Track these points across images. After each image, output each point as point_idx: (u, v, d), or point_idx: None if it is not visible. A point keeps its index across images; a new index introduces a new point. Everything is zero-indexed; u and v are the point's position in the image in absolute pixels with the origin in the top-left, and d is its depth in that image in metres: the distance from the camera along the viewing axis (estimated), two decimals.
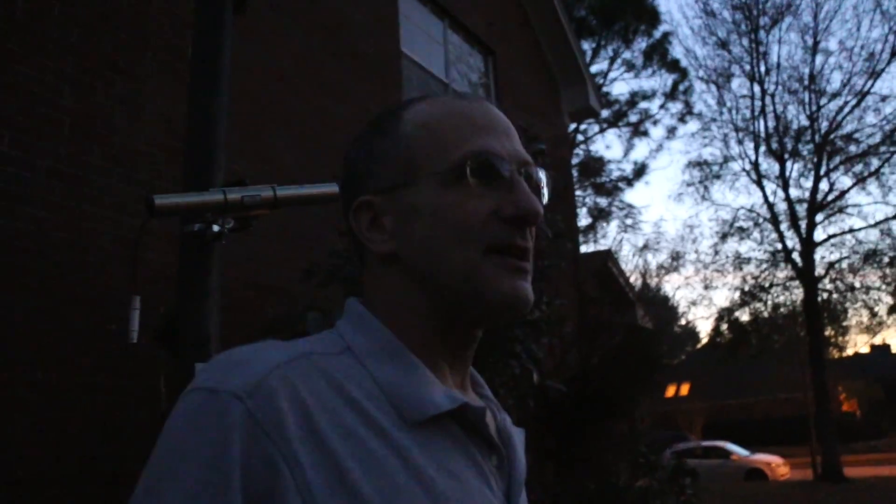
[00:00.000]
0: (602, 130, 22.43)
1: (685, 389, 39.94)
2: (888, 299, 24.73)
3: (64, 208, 3.82)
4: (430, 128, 0.82)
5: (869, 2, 20.42)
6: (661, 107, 22.57)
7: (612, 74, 23.10)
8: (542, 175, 0.87)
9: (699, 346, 39.46)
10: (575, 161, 17.02)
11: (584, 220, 20.71)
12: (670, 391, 38.78)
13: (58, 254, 3.75)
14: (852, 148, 21.09)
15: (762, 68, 21.43)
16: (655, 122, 21.80)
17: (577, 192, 19.76)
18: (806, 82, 21.18)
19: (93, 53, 4.13)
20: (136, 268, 2.69)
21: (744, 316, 22.70)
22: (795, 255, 20.85)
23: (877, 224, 21.27)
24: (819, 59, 21.01)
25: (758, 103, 21.56)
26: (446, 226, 0.78)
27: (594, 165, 19.59)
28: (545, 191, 0.87)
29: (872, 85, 20.79)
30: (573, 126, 15.63)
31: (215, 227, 2.04)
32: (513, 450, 0.84)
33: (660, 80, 21.69)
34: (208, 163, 2.23)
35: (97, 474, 3.67)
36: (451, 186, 0.79)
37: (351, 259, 3.93)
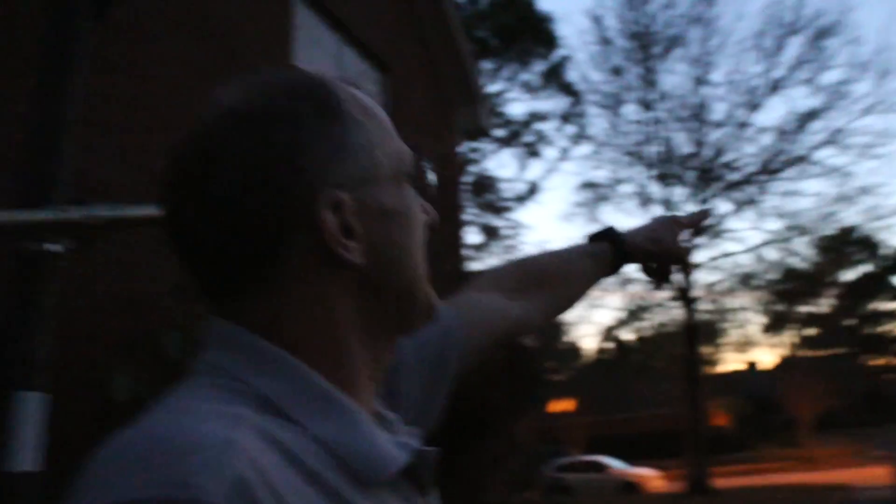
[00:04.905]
0: (497, 150, 22.70)
1: (571, 405, 40.71)
2: (760, 319, 25.90)
3: None
4: (377, 119, 0.74)
5: (749, 40, 21.27)
6: (557, 129, 23.02)
7: (510, 94, 23.45)
8: None
9: (585, 362, 40.34)
10: (469, 179, 17.25)
11: (476, 238, 20.89)
12: (558, 407, 39.47)
13: None
14: (733, 176, 22.00)
15: (653, 96, 22.16)
16: (550, 144, 22.19)
17: (473, 210, 19.92)
18: (693, 111, 22.00)
19: None
20: None
21: (628, 334, 23.36)
22: (678, 277, 21.58)
23: (752, 249, 22.25)
24: (706, 89, 21.77)
25: (647, 129, 22.28)
26: (412, 230, 0.72)
27: (485, 184, 19.80)
28: None
29: (752, 117, 21.70)
30: (468, 144, 15.83)
31: (51, 247, 1.92)
32: None
33: (556, 103, 22.06)
34: (48, 176, 2.11)
35: None
36: (403, 188, 0.73)
37: None
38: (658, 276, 1.21)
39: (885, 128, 22.21)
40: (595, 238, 1.17)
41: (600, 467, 24.11)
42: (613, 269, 1.17)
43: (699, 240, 21.75)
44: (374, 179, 0.70)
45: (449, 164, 9.99)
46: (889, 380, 48.45)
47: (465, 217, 12.13)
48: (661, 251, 1.18)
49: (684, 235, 1.20)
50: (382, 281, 0.69)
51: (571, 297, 1.13)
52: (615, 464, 24.57)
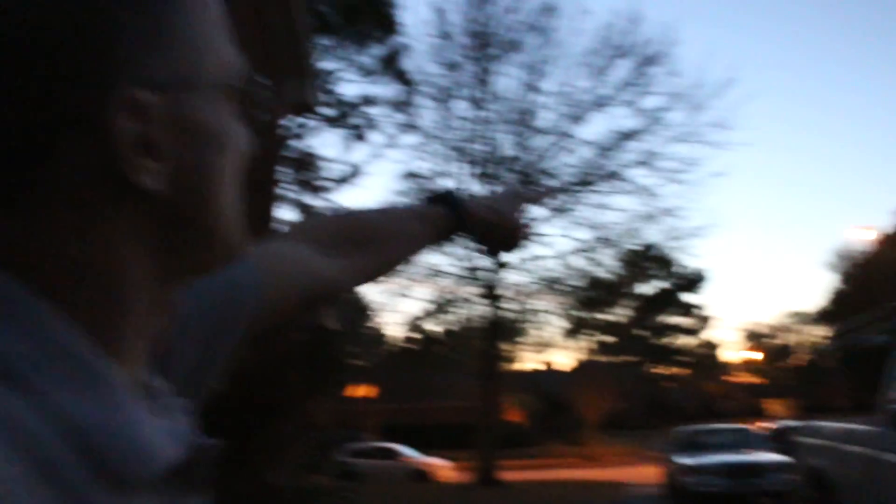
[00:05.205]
0: (323, 128, 22.36)
1: (371, 391, 40.98)
2: (562, 323, 27.17)
3: None
4: (213, 11, 0.57)
5: (582, 56, 22.13)
6: (386, 116, 23.02)
7: (346, 75, 23.18)
8: None
9: (388, 350, 40.72)
10: (290, 154, 16.91)
11: (290, 215, 20.43)
12: (357, 392, 39.64)
13: None
14: (551, 183, 22.84)
15: (484, 95, 22.61)
16: (377, 129, 22.17)
17: (290, 186, 19.53)
18: (520, 116, 22.65)
19: None
20: None
21: (435, 326, 23.79)
22: (487, 274, 22.16)
23: (560, 256, 23.24)
24: (535, 97, 22.48)
25: (475, 127, 22.71)
26: (230, 158, 0.56)
27: (306, 161, 19.49)
28: None
29: (575, 129, 22.67)
30: (293, 119, 15.48)
31: None
32: None
33: (390, 89, 22.05)
34: None
35: None
36: (226, 105, 0.56)
37: None
38: (493, 250, 1.15)
39: (691, 156, 23.88)
40: (433, 201, 1.06)
41: (392, 454, 24.56)
42: (447, 235, 1.06)
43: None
44: (196, 86, 0.53)
45: (270, 135, 9.73)
46: (668, 387, 52.64)
47: (281, 192, 11.87)
48: (501, 223, 1.10)
49: (526, 211, 1.14)
50: (184, 215, 0.53)
51: (395, 259, 1.01)
52: (407, 452, 25.09)
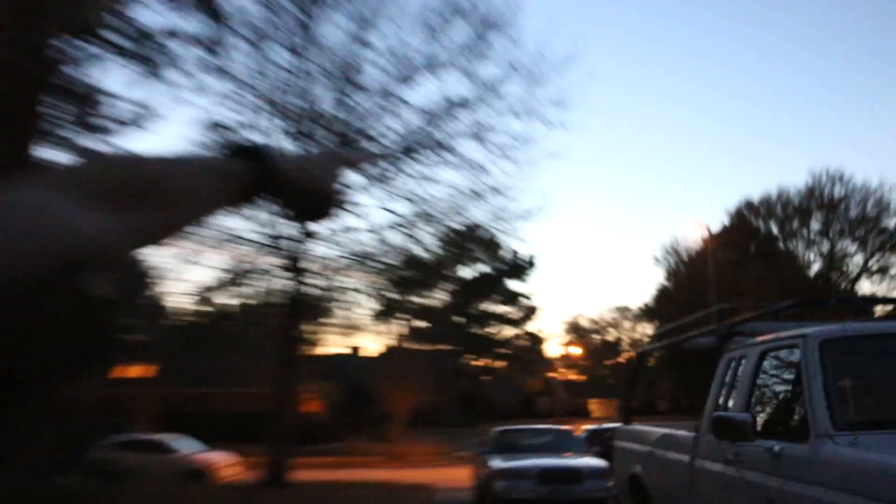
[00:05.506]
0: (112, 58, 20.94)
1: (148, 372, 39.43)
2: (372, 303, 27.18)
3: None
4: None
5: (417, 11, 21.97)
6: (191, 53, 21.92)
7: (145, 1, 21.85)
8: None
9: (173, 324, 39.34)
10: (64, 84, 15.58)
11: (59, 158, 18.95)
12: (133, 372, 38.01)
13: None
14: (370, 147, 22.65)
15: (306, 44, 22.05)
16: (181, 68, 21.07)
17: (65, 123, 18.18)
18: (343, 71, 22.27)
19: None
20: None
21: (228, 299, 23.06)
22: (291, 244, 21.70)
23: (375, 229, 23.11)
24: (362, 51, 22.16)
25: (292, 78, 22.12)
26: None
27: (86, 95, 18.15)
28: None
29: (402, 91, 22.54)
30: (72, 42, 14.28)
31: None
32: None
33: (196, 23, 20.95)
34: None
35: None
36: None
37: None
38: (302, 216, 1.11)
39: (525, 133, 24.20)
40: (236, 154, 1.00)
41: (166, 449, 23.69)
42: (250, 196, 1.01)
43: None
44: None
45: (34, 55, 8.93)
46: (486, 381, 54.15)
47: (46, 127, 11.01)
48: (315, 187, 1.07)
49: (344, 175, 1.13)
50: None
51: (183, 220, 0.91)
52: (185, 445, 24.33)
